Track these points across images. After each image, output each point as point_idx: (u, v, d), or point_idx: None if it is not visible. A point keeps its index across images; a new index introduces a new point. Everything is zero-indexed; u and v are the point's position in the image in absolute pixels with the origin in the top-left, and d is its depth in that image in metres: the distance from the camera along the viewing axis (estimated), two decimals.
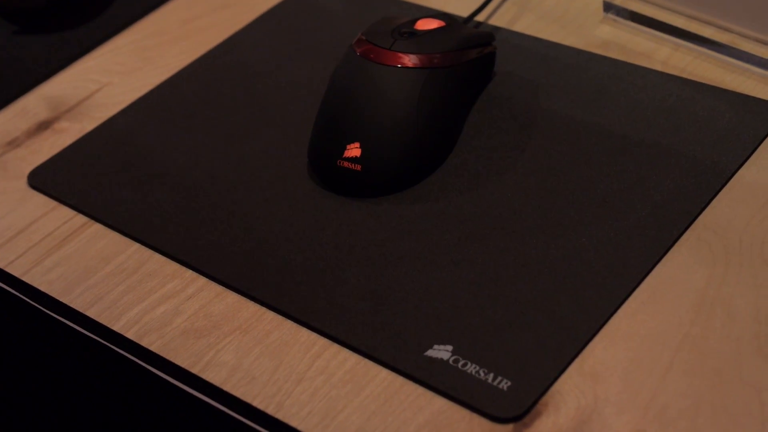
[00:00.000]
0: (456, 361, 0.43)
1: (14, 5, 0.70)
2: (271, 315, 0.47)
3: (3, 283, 0.52)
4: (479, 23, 0.63)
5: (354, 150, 0.52)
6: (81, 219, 0.54)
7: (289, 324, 0.47)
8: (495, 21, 0.63)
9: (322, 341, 0.46)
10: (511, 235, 0.48)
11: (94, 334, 0.48)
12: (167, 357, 0.46)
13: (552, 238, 0.48)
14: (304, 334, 0.46)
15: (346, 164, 0.52)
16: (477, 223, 0.49)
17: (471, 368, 0.43)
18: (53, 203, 0.56)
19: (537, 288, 0.46)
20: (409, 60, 0.53)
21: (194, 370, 0.45)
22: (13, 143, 0.61)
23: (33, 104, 0.64)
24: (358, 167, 0.52)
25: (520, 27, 0.63)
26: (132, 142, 0.58)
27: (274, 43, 0.65)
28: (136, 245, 0.52)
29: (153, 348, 0.47)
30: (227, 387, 0.44)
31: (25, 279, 0.51)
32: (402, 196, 0.52)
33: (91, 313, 0.49)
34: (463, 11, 0.63)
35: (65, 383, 0.58)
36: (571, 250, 0.47)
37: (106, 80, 0.65)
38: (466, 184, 0.52)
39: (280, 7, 0.68)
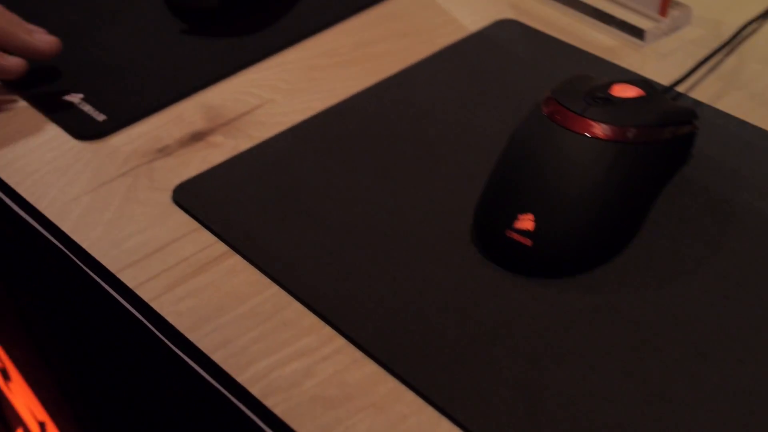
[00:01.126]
0: None
1: (186, 3, 0.67)
2: (410, 396, 0.42)
3: (130, 304, 0.48)
4: (679, 94, 0.57)
5: (526, 222, 0.47)
6: (221, 247, 0.51)
7: (430, 411, 0.42)
8: (697, 94, 0.57)
9: None
10: (694, 352, 0.42)
11: (216, 381, 0.44)
12: (291, 424, 0.42)
13: (745, 365, 0.42)
14: (445, 426, 0.41)
15: (515, 236, 0.47)
16: (656, 330, 0.43)
17: None
18: (194, 224, 0.52)
19: (716, 425, 0.39)
20: (601, 130, 0.47)
21: None
22: (164, 151, 0.57)
23: (190, 111, 0.60)
24: (528, 242, 0.46)
25: (725, 105, 0.56)
26: (286, 170, 0.54)
27: (451, 82, 0.60)
28: (275, 288, 0.48)
29: (277, 411, 0.42)
30: None
31: (153, 305, 0.48)
32: (573, 282, 0.46)
33: (216, 358, 0.45)
34: (662, 76, 0.57)
35: (179, 422, 0.55)
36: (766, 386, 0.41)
37: (269, 96, 0.61)
38: (648, 280, 0.46)
39: (462, 43, 0.63)
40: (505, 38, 0.63)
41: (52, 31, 0.63)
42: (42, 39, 0.61)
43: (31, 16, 0.64)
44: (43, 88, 0.62)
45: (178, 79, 0.62)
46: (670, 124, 0.50)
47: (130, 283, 0.49)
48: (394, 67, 0.62)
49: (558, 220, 0.46)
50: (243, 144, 0.57)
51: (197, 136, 0.58)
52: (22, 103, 0.62)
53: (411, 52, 0.63)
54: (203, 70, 0.63)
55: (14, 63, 0.61)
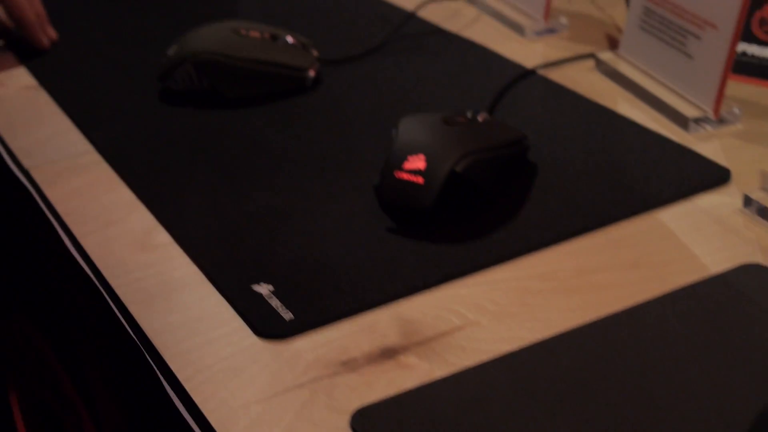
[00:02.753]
0: None
1: (398, 201, 0.62)
2: None
3: None
4: None
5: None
6: None
7: None
8: None
9: None
10: None
11: None
12: None
13: None
14: None
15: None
16: None
17: None
18: None
19: None
20: None
21: None
22: (349, 365, 0.51)
23: (384, 323, 0.54)
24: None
25: None
26: (482, 410, 0.47)
27: (685, 331, 0.51)
28: None
29: None
30: None
31: None
32: None
33: None
34: None
35: None
36: None
37: (474, 318, 0.54)
38: None
39: (701, 286, 0.55)
40: (752, 287, 0.55)
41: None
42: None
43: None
44: (234, 273, 0.58)
45: (376, 283, 0.57)
46: None
47: None
48: (620, 302, 0.55)
49: None
50: (437, 370, 0.50)
51: (388, 353, 0.52)
52: (210, 287, 0.58)
53: (640, 288, 0.56)
54: (405, 277, 0.57)
55: None
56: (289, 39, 0.81)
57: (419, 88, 0.80)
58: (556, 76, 0.81)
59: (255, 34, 0.81)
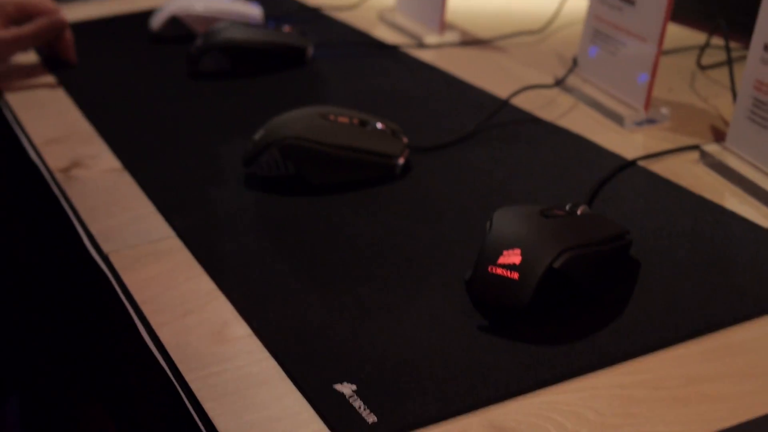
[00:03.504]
0: None
1: (492, 300, 0.58)
2: None
3: None
4: None
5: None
6: None
7: None
8: None
9: None
10: None
11: None
12: None
13: None
14: None
15: None
16: None
17: None
18: None
19: None
20: None
21: None
22: None
23: (475, 430, 0.50)
24: None
25: None
26: None
27: None
28: None
29: None
30: None
31: None
32: None
33: None
34: None
35: None
36: None
37: (572, 428, 0.50)
38: None
39: None
40: None
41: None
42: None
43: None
44: (315, 371, 0.54)
45: (467, 386, 0.53)
46: None
47: None
48: (735, 416, 0.50)
49: None
50: None
51: None
52: (289, 385, 0.54)
53: (756, 399, 0.51)
54: (498, 381, 0.53)
55: None
56: (379, 125, 0.79)
57: (513, 179, 0.76)
58: (659, 168, 0.77)
59: (343, 119, 0.78)
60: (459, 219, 0.71)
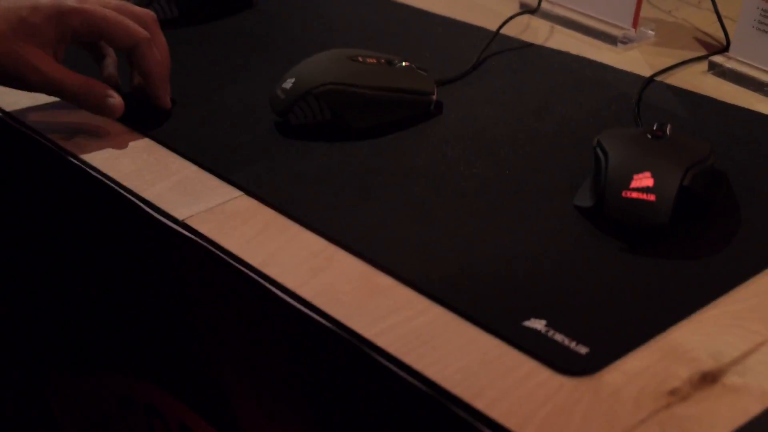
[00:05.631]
0: None
1: (629, 219, 0.60)
2: None
3: None
4: None
5: None
6: None
7: None
8: None
9: None
10: None
11: None
12: None
13: None
14: None
15: None
16: None
17: None
18: None
19: None
20: None
21: None
22: (677, 394, 0.49)
23: (685, 345, 0.52)
24: None
25: None
26: None
27: None
28: None
29: None
30: None
31: None
32: None
33: None
34: None
35: None
36: None
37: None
38: None
39: None
40: None
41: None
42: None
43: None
44: (493, 310, 0.55)
45: (650, 309, 0.55)
46: None
47: None
48: None
49: None
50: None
51: (710, 377, 0.50)
52: (473, 329, 0.54)
53: None
54: (673, 299, 0.55)
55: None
56: (404, 63, 0.78)
57: (544, 104, 0.78)
58: (674, 81, 0.81)
59: (371, 60, 0.77)
60: (514, 146, 0.72)
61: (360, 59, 0.77)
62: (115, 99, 0.74)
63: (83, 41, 0.78)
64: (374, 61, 0.77)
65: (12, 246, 0.90)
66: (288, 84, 0.76)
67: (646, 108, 0.76)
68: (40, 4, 0.71)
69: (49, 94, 0.74)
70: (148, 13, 0.77)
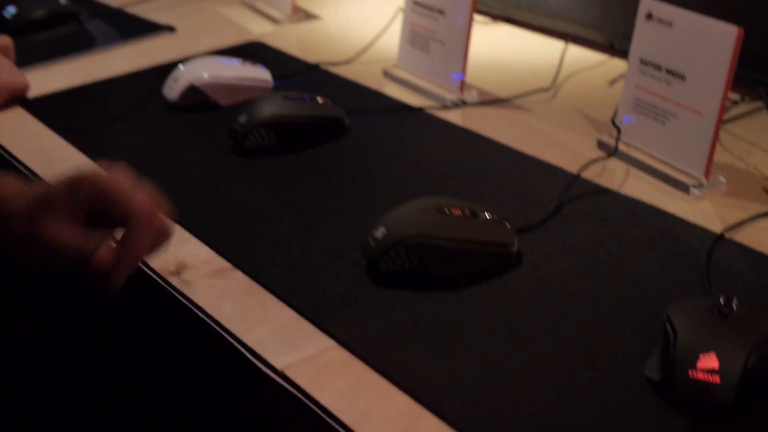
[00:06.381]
0: None
1: None
2: None
3: None
4: None
5: None
6: None
7: None
8: None
9: None
10: None
11: None
12: None
13: None
14: None
15: None
16: None
17: None
18: None
19: None
20: None
21: None
22: None
23: None
24: None
25: None
26: None
27: None
28: None
29: None
30: None
31: None
32: None
33: None
34: None
35: None
36: None
37: None
38: None
39: None
40: None
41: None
42: None
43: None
44: None
45: None
46: None
47: None
48: None
49: None
50: None
51: None
52: None
53: None
54: None
55: None
56: (488, 215, 0.84)
57: (620, 259, 0.83)
58: (743, 238, 0.85)
59: (457, 212, 0.83)
60: (590, 306, 0.77)
61: (446, 210, 0.83)
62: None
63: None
64: (459, 212, 0.83)
65: (101, 370, 0.97)
66: (379, 233, 0.82)
67: (715, 268, 0.80)
68: None
69: None
70: None
